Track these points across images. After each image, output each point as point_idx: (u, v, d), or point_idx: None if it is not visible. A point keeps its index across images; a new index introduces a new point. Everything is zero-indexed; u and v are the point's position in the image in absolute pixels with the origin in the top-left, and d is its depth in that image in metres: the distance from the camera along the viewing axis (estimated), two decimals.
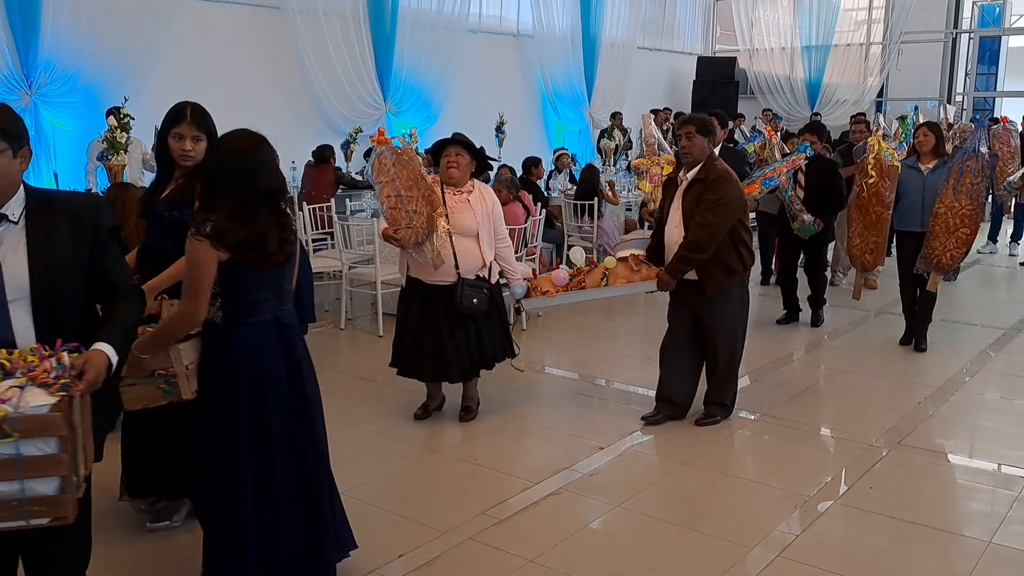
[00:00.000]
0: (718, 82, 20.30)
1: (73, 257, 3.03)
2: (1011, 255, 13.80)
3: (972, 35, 20.86)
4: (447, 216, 5.97)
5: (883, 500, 5.27)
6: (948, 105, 15.57)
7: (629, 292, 6.39)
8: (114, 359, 2.97)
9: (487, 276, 6.15)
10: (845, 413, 6.77)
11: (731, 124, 16.75)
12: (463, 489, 5.38)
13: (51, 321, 2.99)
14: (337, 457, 5.78)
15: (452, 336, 6.09)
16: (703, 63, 21.11)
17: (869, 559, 4.58)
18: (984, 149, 7.62)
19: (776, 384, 7.44)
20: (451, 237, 5.97)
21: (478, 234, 6.07)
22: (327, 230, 10.27)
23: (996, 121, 13.08)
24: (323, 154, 11.93)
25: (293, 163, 12.23)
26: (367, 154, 13.50)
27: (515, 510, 5.04)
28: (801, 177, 8.72)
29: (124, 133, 8.80)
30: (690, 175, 6.03)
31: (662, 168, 7.85)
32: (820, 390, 7.28)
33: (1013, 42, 23.46)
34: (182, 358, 3.71)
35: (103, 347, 2.95)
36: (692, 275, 6.04)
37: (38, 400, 2.73)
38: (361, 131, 13.62)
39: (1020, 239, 14.14)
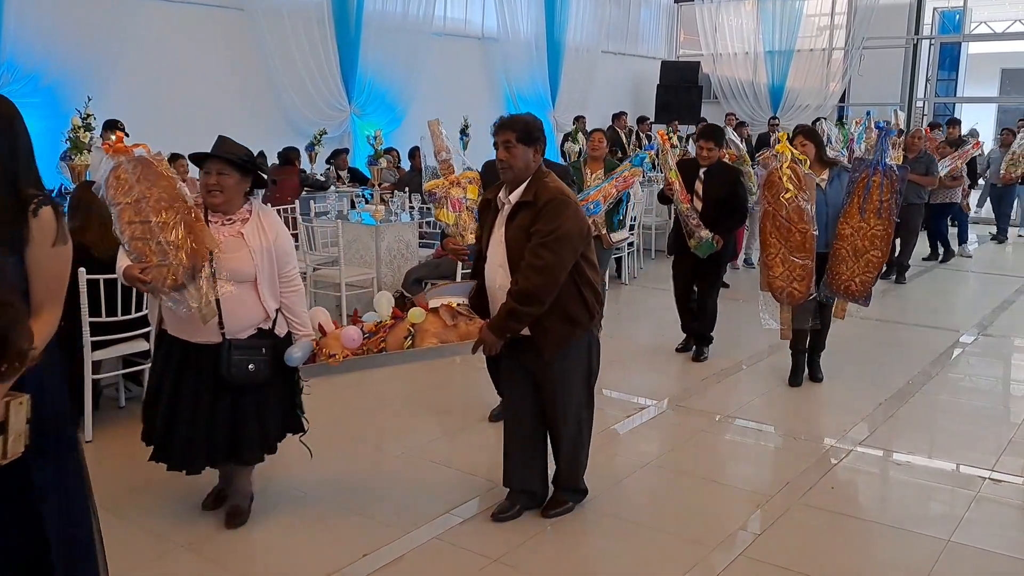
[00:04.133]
0: (682, 86, 20.40)
1: None
2: (961, 256, 13.99)
3: (933, 41, 21.07)
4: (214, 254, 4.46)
5: (844, 500, 5.34)
6: (899, 111, 15.51)
7: (442, 356, 4.85)
8: None
9: (270, 329, 4.66)
10: (806, 414, 6.83)
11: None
12: (429, 489, 5.38)
13: None
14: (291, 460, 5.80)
15: (213, 412, 4.58)
16: (667, 67, 21.21)
17: (830, 558, 4.63)
18: (891, 161, 6.84)
19: (738, 385, 7.50)
20: (215, 284, 4.44)
21: (256, 279, 4.56)
22: (291, 232, 10.22)
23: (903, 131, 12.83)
24: (287, 156, 11.92)
25: None
26: (331, 157, 13.51)
27: (479, 510, 5.06)
28: (699, 186, 7.72)
29: (87, 133, 8.77)
30: (513, 196, 4.56)
31: (465, 189, 6.64)
32: (781, 392, 7.33)
33: (973, 49, 23.75)
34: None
35: None
36: (525, 329, 4.59)
37: None
38: (326, 133, 13.60)
39: (967, 240, 14.39)
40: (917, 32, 20.42)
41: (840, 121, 12.07)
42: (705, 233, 7.56)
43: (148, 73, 11.70)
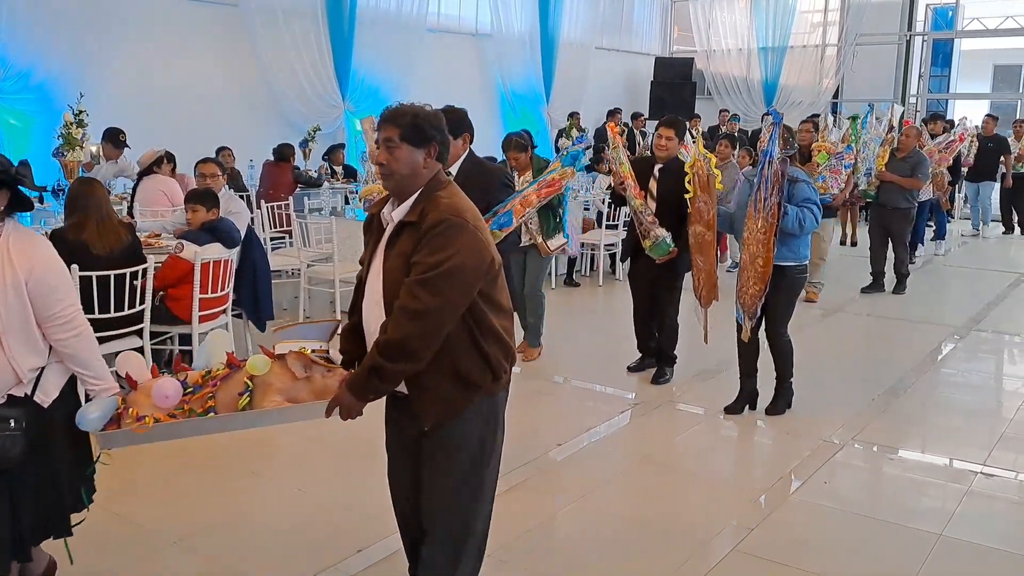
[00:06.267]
0: (675, 83, 20.40)
1: None
2: (935, 254, 13.82)
3: (925, 38, 21.12)
4: None
5: (837, 494, 5.36)
6: (896, 105, 15.07)
7: (287, 420, 3.61)
8: None
9: (28, 395, 3.51)
10: (800, 409, 6.81)
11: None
12: None
13: None
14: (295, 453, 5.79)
15: None
16: (661, 64, 21.21)
17: (823, 552, 4.65)
18: (777, 151, 5.98)
19: (730, 381, 7.49)
20: None
21: None
22: (285, 228, 10.25)
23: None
24: (282, 153, 11.90)
25: (251, 162, 12.19)
26: (327, 153, 13.53)
27: None
28: (653, 185, 7.05)
29: (80, 129, 8.77)
30: (397, 214, 3.41)
31: None
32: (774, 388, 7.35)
33: (966, 45, 23.81)
34: None
35: None
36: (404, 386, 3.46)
37: None
38: (319, 130, 13.57)
39: (943, 237, 14.12)
40: (910, 28, 20.46)
41: (854, 117, 10.76)
42: (661, 231, 6.91)
43: (141, 69, 11.68)
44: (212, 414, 3.44)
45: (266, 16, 13.22)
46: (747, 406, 6.67)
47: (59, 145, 8.96)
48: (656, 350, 7.50)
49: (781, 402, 6.66)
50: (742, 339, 6.47)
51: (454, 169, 4.78)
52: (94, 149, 9.60)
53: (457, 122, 5.14)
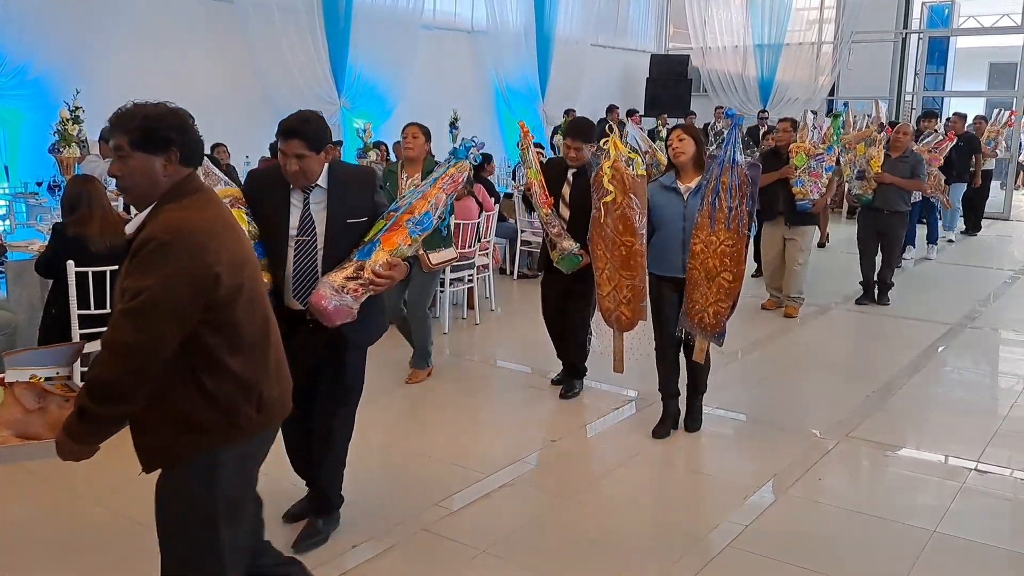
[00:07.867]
0: (671, 80, 20.42)
1: None
2: (926, 258, 13.48)
3: (921, 35, 21.12)
4: None
5: (831, 491, 5.37)
6: (880, 103, 14.52)
7: (16, 460, 3.37)
8: None
9: None
10: (795, 406, 6.85)
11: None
12: (416, 481, 5.39)
13: None
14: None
15: None
16: (656, 61, 21.23)
17: (817, 548, 4.65)
18: (741, 158, 5.57)
19: (727, 377, 7.51)
20: None
21: None
22: None
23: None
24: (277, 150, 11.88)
25: (247, 158, 12.17)
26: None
27: (467, 501, 5.06)
28: (567, 190, 6.54)
29: (76, 125, 8.77)
30: (131, 227, 2.98)
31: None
32: (770, 383, 7.35)
33: (961, 43, 23.81)
34: None
35: None
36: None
37: None
38: None
39: (936, 241, 13.76)
40: (906, 26, 20.45)
41: (836, 115, 10.12)
42: (568, 244, 6.40)
43: (136, 66, 11.65)
44: None
45: (261, 11, 13.20)
46: (672, 428, 6.23)
47: (55, 141, 8.95)
48: (565, 367, 7.07)
49: (701, 417, 6.32)
50: (695, 359, 6.00)
51: (323, 180, 4.41)
52: (86, 139, 9.58)
53: (321, 133, 4.53)
